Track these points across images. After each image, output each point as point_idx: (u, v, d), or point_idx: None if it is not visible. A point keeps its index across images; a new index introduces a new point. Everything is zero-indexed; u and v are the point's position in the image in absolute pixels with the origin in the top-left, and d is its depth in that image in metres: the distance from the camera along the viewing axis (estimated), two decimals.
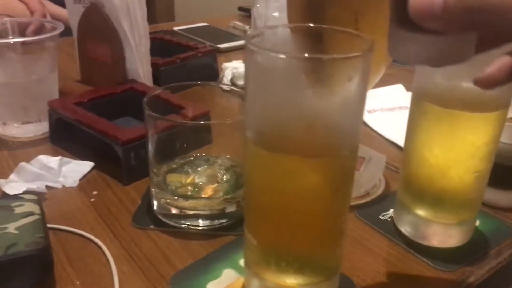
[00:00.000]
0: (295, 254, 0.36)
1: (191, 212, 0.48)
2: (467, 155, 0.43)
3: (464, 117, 0.41)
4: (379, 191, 0.55)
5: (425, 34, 0.28)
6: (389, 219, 0.50)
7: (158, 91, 0.52)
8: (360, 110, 0.33)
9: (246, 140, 0.34)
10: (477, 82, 0.32)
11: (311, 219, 0.35)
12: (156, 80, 0.79)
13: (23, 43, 0.63)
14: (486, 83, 0.31)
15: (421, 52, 0.29)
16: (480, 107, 0.41)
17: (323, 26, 0.36)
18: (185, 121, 0.52)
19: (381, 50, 0.50)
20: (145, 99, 0.48)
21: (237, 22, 1.20)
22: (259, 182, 0.35)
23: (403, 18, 0.28)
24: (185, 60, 0.85)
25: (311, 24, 0.37)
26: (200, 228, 0.48)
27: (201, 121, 0.58)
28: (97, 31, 0.74)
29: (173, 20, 2.74)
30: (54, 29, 0.65)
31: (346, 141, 0.34)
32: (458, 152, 0.43)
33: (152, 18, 1.77)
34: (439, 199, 0.45)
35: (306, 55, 0.30)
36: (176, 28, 1.20)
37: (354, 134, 0.34)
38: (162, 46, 0.92)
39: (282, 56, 0.30)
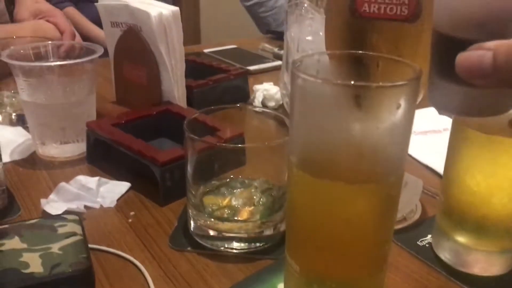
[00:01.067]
0: (337, 281, 0.36)
1: (228, 235, 0.49)
2: (510, 182, 0.42)
3: (506, 143, 0.41)
4: (416, 216, 0.55)
5: (468, 87, 0.28)
6: (427, 245, 0.50)
7: (196, 114, 0.53)
8: (407, 137, 0.33)
9: (291, 164, 0.35)
10: None
11: (356, 246, 0.35)
12: (190, 101, 0.80)
13: (62, 65, 0.65)
14: None
15: (462, 103, 0.29)
16: None
17: (368, 52, 0.36)
18: (224, 144, 0.53)
19: (423, 73, 0.50)
20: (185, 122, 0.49)
21: (266, 45, 1.21)
22: (303, 207, 0.35)
23: (446, 71, 0.28)
24: (217, 82, 0.86)
25: (354, 51, 0.38)
26: (236, 251, 0.49)
27: (236, 142, 0.59)
28: (133, 54, 0.76)
29: (199, 42, 2.79)
30: (93, 52, 0.67)
31: (392, 168, 0.34)
32: (501, 179, 0.42)
33: None
34: (481, 227, 0.44)
35: (353, 82, 0.30)
36: (206, 51, 1.22)
37: (400, 161, 0.34)
38: (195, 68, 0.93)
39: (329, 83, 0.31)
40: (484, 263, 0.45)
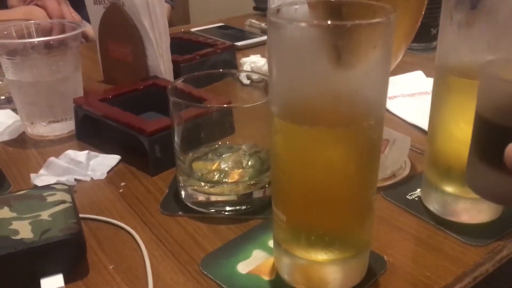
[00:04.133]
0: (324, 229, 0.36)
1: (219, 198, 0.49)
2: None
3: None
4: (405, 172, 0.55)
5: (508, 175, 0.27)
6: (416, 199, 0.50)
7: (179, 80, 0.53)
8: (385, 79, 0.34)
9: (271, 115, 0.35)
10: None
11: (340, 192, 0.35)
12: (177, 77, 0.80)
13: (47, 43, 0.64)
14: None
15: (502, 190, 0.29)
16: None
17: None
18: (209, 106, 0.52)
19: (400, 30, 0.50)
20: (169, 88, 0.48)
21: (253, 21, 1.21)
22: (286, 156, 0.35)
23: (490, 157, 0.27)
24: (205, 57, 0.85)
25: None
26: (227, 213, 0.49)
27: (223, 111, 0.59)
28: (118, 30, 0.75)
29: (189, 23, 2.77)
30: (76, 28, 0.66)
31: (372, 110, 0.34)
32: None
33: (168, 22, 1.78)
34: None
35: (329, 22, 0.30)
36: (193, 29, 1.21)
37: (379, 103, 0.34)
38: (181, 45, 0.93)
39: (305, 25, 0.31)
40: (472, 211, 0.46)
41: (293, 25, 0.31)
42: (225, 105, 0.54)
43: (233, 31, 1.20)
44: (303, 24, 0.31)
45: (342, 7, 0.37)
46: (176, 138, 0.49)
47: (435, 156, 0.46)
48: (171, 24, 1.84)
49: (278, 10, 0.35)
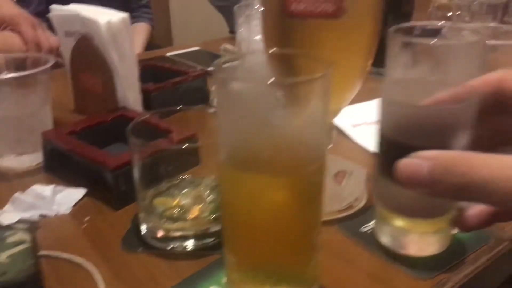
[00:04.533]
0: (271, 269, 0.38)
1: (178, 234, 0.50)
2: None
3: None
4: (362, 203, 0.57)
5: (407, 190, 0.28)
6: (370, 231, 0.52)
7: (143, 117, 0.55)
8: (322, 128, 0.36)
9: (219, 160, 0.36)
10: (456, 223, 0.33)
11: (284, 234, 0.37)
12: (148, 106, 0.82)
13: (15, 77, 0.66)
14: (463, 227, 0.33)
15: (399, 203, 0.30)
16: None
17: (285, 50, 0.38)
18: (164, 146, 0.54)
19: (354, 67, 0.52)
20: (129, 126, 0.50)
21: (228, 45, 1.23)
22: (232, 202, 0.37)
23: (387, 171, 0.29)
24: (176, 85, 0.87)
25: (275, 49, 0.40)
26: (187, 249, 0.50)
27: (189, 143, 0.60)
28: (88, 62, 0.77)
29: (171, 44, 2.80)
30: (45, 62, 0.68)
31: (312, 157, 0.36)
32: None
33: (150, 44, 1.80)
34: None
35: (268, 81, 0.32)
36: (169, 54, 1.23)
37: (320, 150, 0.36)
38: (155, 73, 0.95)
39: (247, 81, 0.33)
40: (419, 244, 0.48)
41: (236, 81, 0.33)
42: (177, 146, 0.55)
43: (208, 56, 1.22)
44: (245, 81, 0.33)
45: (295, 59, 0.39)
46: (135, 174, 0.51)
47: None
48: (152, 44, 1.87)
49: (224, 63, 0.36)
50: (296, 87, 0.33)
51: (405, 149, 0.28)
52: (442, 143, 0.28)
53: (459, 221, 0.33)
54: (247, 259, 0.38)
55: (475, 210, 0.32)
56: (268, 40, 0.52)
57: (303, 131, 0.35)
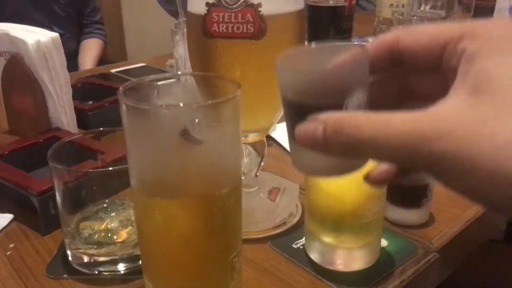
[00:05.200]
0: None
1: (103, 259, 0.49)
2: (358, 181, 0.45)
3: None
4: (295, 219, 0.57)
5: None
6: (301, 247, 0.52)
7: (69, 138, 0.53)
8: (234, 150, 0.35)
9: (132, 187, 0.36)
10: (366, 179, 0.34)
11: (198, 259, 0.36)
12: (86, 125, 0.80)
13: None
14: (374, 182, 0.33)
15: (315, 164, 0.31)
16: None
17: (199, 73, 0.38)
18: (84, 170, 0.52)
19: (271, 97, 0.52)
20: (50, 151, 0.49)
21: (173, 61, 1.22)
22: (146, 227, 0.36)
23: (292, 135, 0.30)
24: (115, 103, 0.85)
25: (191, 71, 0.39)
26: (114, 273, 0.49)
27: (121, 164, 0.59)
28: (19, 82, 0.75)
29: (126, 59, 2.76)
30: None
31: (225, 180, 0.35)
32: (349, 179, 0.45)
33: (104, 59, 1.77)
34: (339, 225, 0.47)
35: (171, 105, 0.32)
36: (113, 70, 1.21)
37: (233, 172, 0.36)
38: (93, 91, 0.93)
39: (149, 107, 0.32)
40: (347, 260, 0.48)
41: (140, 106, 0.33)
42: (105, 169, 0.54)
43: (153, 72, 1.21)
44: (147, 107, 0.32)
45: (214, 80, 0.39)
46: (58, 199, 0.49)
47: (311, 208, 0.49)
48: (107, 60, 1.84)
49: (131, 89, 0.36)
50: (202, 110, 0.33)
51: (306, 112, 0.29)
52: (338, 103, 0.29)
53: (367, 176, 0.33)
54: (165, 285, 0.38)
55: (385, 165, 0.33)
56: (193, 61, 0.52)
57: (212, 154, 0.34)
